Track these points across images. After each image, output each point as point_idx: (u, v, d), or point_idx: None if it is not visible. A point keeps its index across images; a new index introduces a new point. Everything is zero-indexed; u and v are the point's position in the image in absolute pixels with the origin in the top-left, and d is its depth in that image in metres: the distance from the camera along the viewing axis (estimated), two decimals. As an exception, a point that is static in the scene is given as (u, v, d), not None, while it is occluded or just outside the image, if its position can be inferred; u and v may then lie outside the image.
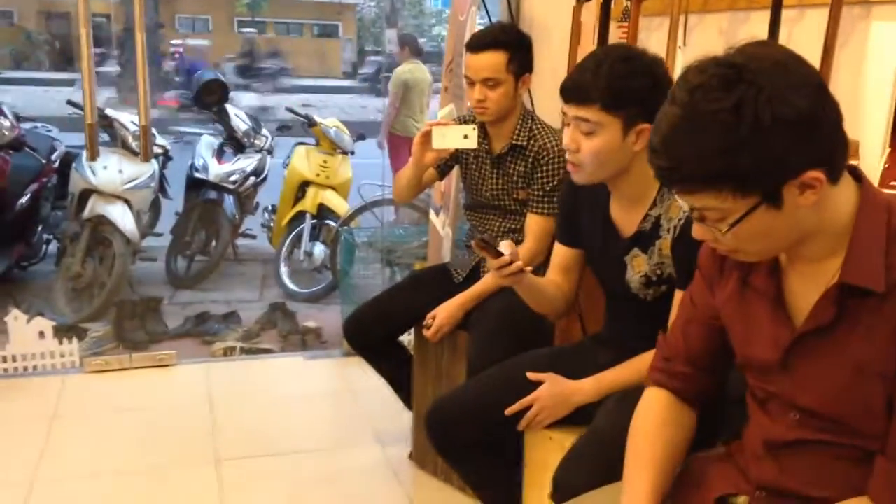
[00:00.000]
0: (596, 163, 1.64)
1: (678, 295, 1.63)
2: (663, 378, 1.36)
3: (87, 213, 4.46)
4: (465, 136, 2.15)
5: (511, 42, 2.27)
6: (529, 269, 1.75)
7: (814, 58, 1.29)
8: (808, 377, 1.13)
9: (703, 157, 1.01)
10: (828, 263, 1.10)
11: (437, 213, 3.39)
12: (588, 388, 1.76)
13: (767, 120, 0.97)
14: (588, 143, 1.62)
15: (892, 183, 1.42)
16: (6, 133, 4.51)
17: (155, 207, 5.13)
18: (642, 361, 1.67)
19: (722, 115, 0.99)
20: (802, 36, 1.86)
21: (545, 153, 2.28)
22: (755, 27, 2.01)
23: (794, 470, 1.18)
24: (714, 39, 2.19)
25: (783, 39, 1.83)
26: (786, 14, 1.79)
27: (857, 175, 1.10)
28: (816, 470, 1.15)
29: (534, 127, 2.34)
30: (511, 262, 1.68)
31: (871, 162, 1.55)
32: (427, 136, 2.21)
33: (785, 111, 0.98)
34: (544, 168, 2.28)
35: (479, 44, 2.27)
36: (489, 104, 2.28)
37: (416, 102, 6.35)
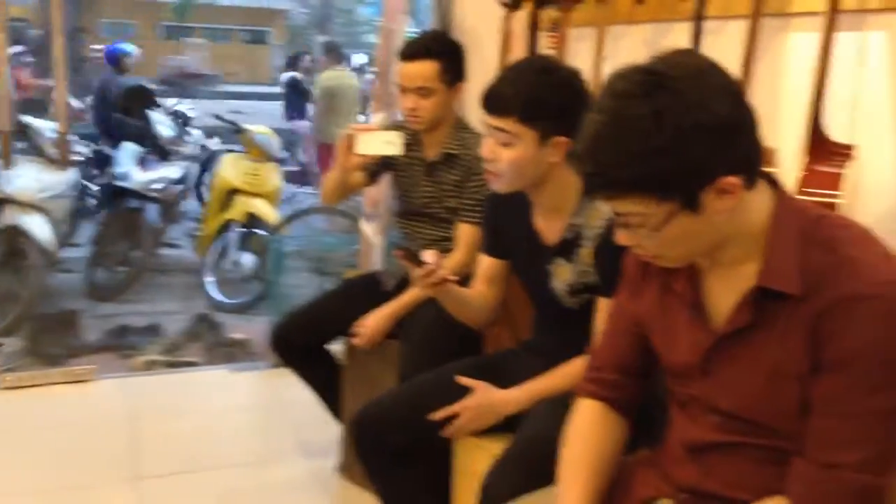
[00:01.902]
0: (513, 173, 1.65)
1: (601, 303, 1.64)
2: (594, 388, 1.36)
3: (0, 223, 4.27)
4: (389, 143, 2.13)
5: (443, 51, 2.26)
6: (453, 278, 1.74)
7: (734, 68, 1.32)
8: (726, 380, 1.15)
9: (625, 162, 1.01)
10: (745, 268, 1.12)
11: (369, 221, 3.37)
12: (517, 397, 1.75)
13: (687, 126, 0.99)
14: (505, 153, 1.63)
15: (808, 190, 1.46)
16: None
17: (74, 217, 4.96)
18: (570, 368, 1.68)
19: (643, 122, 1.00)
20: (723, 46, 1.89)
21: (477, 163, 2.27)
22: (678, 38, 2.05)
23: (714, 472, 1.19)
24: (639, 50, 2.22)
25: (705, 50, 1.87)
26: (707, 25, 1.83)
27: (772, 181, 1.13)
28: (736, 472, 1.17)
29: (467, 136, 2.34)
30: (434, 271, 1.66)
31: (788, 170, 1.60)
32: (351, 139, 2.19)
33: (704, 117, 0.99)
34: (476, 177, 2.28)
35: (410, 52, 2.25)
36: (421, 113, 2.27)
37: (342, 109, 6.30)
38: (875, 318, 1.00)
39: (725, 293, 1.14)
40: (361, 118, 6.73)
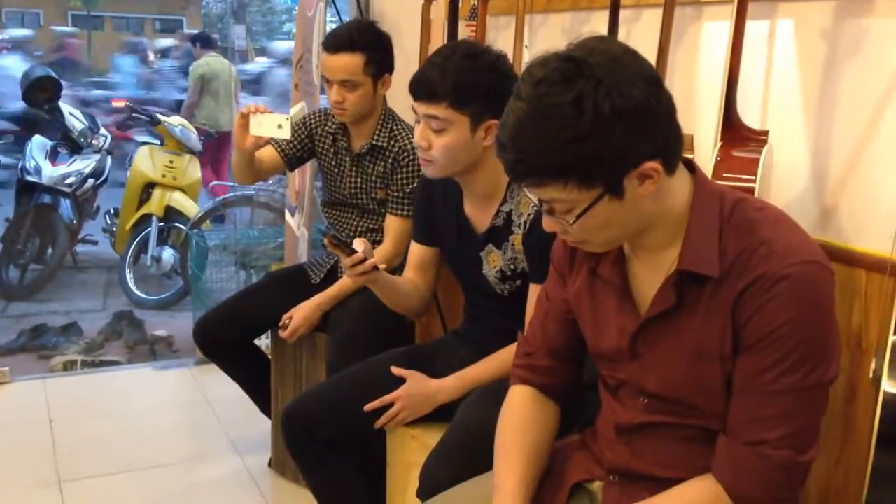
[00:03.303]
0: (447, 158, 1.65)
1: (532, 289, 1.66)
2: (526, 374, 1.37)
3: None
4: (280, 126, 2.13)
5: (368, 43, 2.24)
6: (383, 266, 1.73)
7: (650, 56, 1.35)
8: (653, 362, 1.18)
9: (548, 149, 1.03)
10: (667, 252, 1.14)
11: (293, 214, 3.32)
12: (450, 385, 1.76)
13: (607, 112, 1.01)
14: (438, 140, 1.63)
15: (725, 175, 1.50)
16: None
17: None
18: (502, 356, 1.70)
19: (564, 108, 1.01)
20: (640, 35, 1.94)
21: (405, 154, 2.27)
22: (596, 26, 2.08)
23: (644, 453, 1.22)
24: (557, 38, 2.25)
25: (621, 38, 1.90)
26: (624, 14, 1.86)
27: (691, 167, 1.16)
28: (665, 451, 1.20)
29: (394, 127, 2.33)
30: (364, 260, 1.66)
31: (704, 155, 1.64)
32: (246, 118, 2.16)
33: (623, 103, 1.01)
34: (404, 169, 2.27)
35: (335, 45, 2.22)
36: (347, 105, 2.25)
37: (219, 94, 6.46)
38: (790, 298, 1.04)
39: (650, 277, 1.17)
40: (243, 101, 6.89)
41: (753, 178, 1.48)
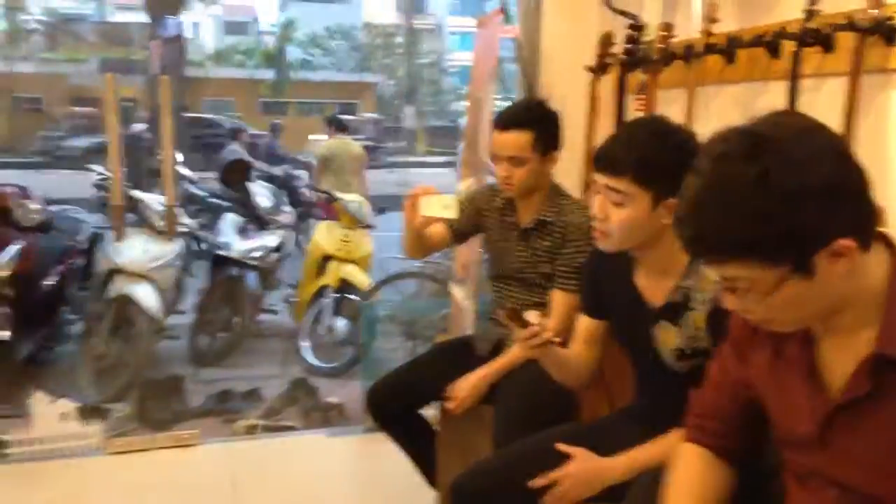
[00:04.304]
0: (624, 233, 1.64)
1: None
2: (697, 434, 1.34)
3: (111, 292, 4.49)
4: (446, 207, 2.19)
5: (536, 120, 2.29)
6: (557, 340, 1.73)
7: (834, 126, 1.29)
8: (846, 452, 1.10)
9: (728, 227, 0.99)
10: (863, 333, 1.07)
11: (459, 286, 3.39)
12: (620, 466, 1.71)
13: (793, 188, 0.96)
14: (617, 213, 1.63)
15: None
16: (34, 216, 4.62)
17: (179, 285, 5.18)
18: (675, 438, 1.63)
19: (746, 185, 0.98)
20: (821, 105, 1.86)
21: (573, 229, 2.28)
22: (773, 97, 2.01)
23: None
24: (731, 110, 2.20)
25: (802, 109, 1.83)
26: (804, 83, 1.79)
27: (888, 243, 1.09)
28: None
29: (561, 202, 2.35)
30: (538, 333, 1.66)
31: (898, 229, 1.54)
32: (415, 199, 2.24)
33: (809, 180, 0.97)
34: (572, 244, 2.28)
35: (505, 122, 2.29)
36: (514, 181, 2.30)
37: (341, 172, 7.04)
38: None
39: (842, 360, 1.10)
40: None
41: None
